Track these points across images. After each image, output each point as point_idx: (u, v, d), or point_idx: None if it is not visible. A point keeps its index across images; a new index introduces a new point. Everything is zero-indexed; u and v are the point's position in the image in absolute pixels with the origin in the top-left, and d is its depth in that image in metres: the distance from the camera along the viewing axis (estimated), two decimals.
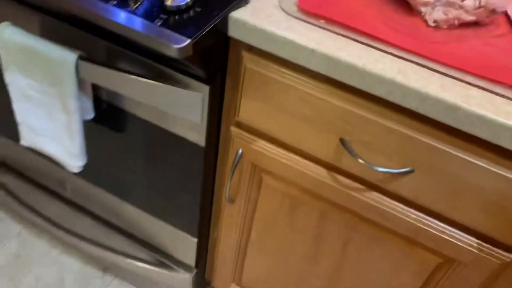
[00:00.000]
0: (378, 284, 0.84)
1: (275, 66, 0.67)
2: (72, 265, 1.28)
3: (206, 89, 0.71)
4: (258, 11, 0.64)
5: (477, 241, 0.68)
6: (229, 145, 0.82)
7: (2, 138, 1.12)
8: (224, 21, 0.64)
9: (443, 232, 0.69)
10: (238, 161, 0.81)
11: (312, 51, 0.61)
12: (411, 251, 0.75)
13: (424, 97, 0.57)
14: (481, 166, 0.61)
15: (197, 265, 1.07)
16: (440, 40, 0.64)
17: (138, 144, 0.88)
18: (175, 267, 1.08)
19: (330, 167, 0.74)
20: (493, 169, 0.60)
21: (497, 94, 0.57)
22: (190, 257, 1.05)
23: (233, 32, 0.65)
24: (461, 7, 0.65)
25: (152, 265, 1.09)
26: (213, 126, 0.79)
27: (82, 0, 0.64)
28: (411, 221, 0.71)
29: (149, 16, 0.63)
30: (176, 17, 0.63)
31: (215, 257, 1.05)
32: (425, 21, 0.66)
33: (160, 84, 0.70)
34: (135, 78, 0.70)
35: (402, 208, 0.71)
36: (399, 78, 0.58)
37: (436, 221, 0.70)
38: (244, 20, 0.63)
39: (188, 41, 0.60)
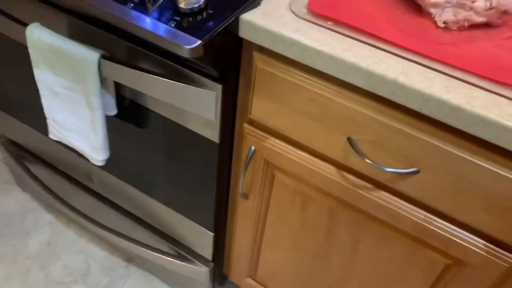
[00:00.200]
0: (387, 283, 0.84)
1: (285, 67, 0.69)
2: (98, 254, 1.34)
3: (219, 88, 0.73)
4: (269, 13, 0.66)
5: (484, 242, 0.68)
6: (243, 142, 0.84)
7: (38, 133, 1.18)
8: (235, 23, 0.66)
9: (450, 233, 0.69)
10: (250, 158, 0.83)
11: (318, 52, 0.62)
12: (419, 251, 0.75)
13: (427, 98, 0.58)
14: (486, 168, 0.60)
15: (214, 259, 1.10)
16: (449, 42, 0.64)
17: (157, 140, 0.91)
18: (194, 260, 1.11)
19: (339, 166, 0.75)
20: (498, 171, 0.60)
21: (502, 96, 0.57)
22: (207, 251, 1.07)
23: (244, 33, 0.67)
24: (471, 8, 0.65)
25: (173, 257, 1.12)
26: (227, 123, 0.81)
27: (102, 2, 0.67)
28: (419, 221, 0.71)
29: (163, 18, 0.66)
30: (189, 19, 0.65)
31: (231, 251, 1.08)
32: (435, 23, 0.66)
33: (176, 82, 0.73)
34: (152, 77, 0.74)
35: (409, 208, 0.71)
36: (402, 79, 0.58)
37: (443, 222, 0.70)
38: (254, 21, 0.65)
39: (199, 42, 0.63)
